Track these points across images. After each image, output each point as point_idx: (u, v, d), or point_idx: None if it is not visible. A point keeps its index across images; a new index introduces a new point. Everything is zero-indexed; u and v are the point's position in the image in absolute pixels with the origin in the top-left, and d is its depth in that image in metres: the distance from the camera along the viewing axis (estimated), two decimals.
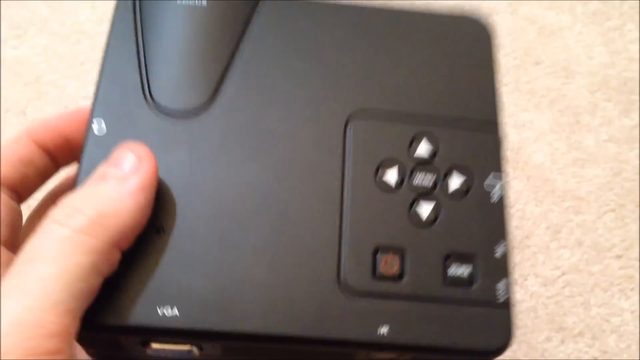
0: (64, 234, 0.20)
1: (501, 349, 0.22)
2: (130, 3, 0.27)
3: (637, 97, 0.59)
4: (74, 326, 0.20)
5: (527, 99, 0.58)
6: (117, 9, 0.27)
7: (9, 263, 0.22)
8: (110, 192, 0.21)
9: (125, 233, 0.21)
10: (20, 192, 0.26)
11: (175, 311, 0.21)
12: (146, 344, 0.23)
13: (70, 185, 0.25)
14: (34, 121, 0.27)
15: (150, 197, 0.22)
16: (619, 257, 0.49)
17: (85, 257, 0.20)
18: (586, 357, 0.44)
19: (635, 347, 0.45)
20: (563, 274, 0.48)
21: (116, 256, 0.21)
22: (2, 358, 0.18)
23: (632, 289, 0.48)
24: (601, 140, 0.56)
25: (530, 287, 0.47)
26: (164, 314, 0.21)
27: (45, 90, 0.51)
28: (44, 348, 0.18)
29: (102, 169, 0.22)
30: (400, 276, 0.23)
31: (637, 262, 0.49)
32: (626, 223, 0.51)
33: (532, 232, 0.50)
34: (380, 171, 0.24)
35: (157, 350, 0.23)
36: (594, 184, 0.53)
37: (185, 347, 0.23)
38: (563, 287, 0.48)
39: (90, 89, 0.53)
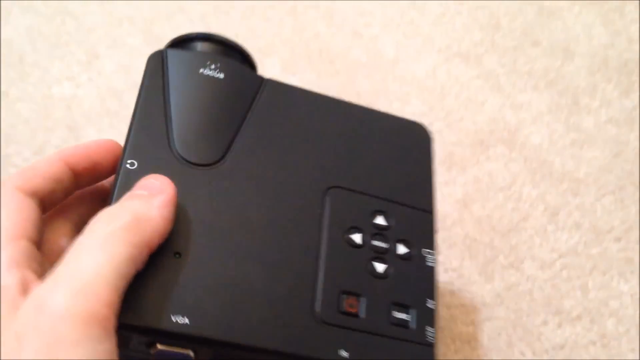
0: (109, 230, 0.25)
1: None
2: (160, 64, 0.33)
3: (638, 78, 0.58)
4: (119, 301, 0.24)
5: (524, 80, 0.56)
6: (148, 66, 0.33)
7: (40, 261, 0.27)
8: (141, 205, 0.27)
9: (154, 237, 0.27)
10: (46, 206, 0.29)
11: (186, 320, 0.26)
12: (152, 345, 0.27)
13: (71, 201, 0.32)
14: (68, 146, 0.31)
15: (173, 212, 0.28)
16: (618, 239, 0.48)
17: (127, 248, 0.25)
18: (584, 341, 0.43)
19: (634, 331, 0.44)
20: (560, 256, 0.47)
21: (146, 254, 0.26)
22: (72, 318, 0.22)
23: (631, 272, 0.46)
24: (601, 122, 0.55)
25: (527, 270, 0.46)
26: (176, 321, 0.26)
27: (29, 72, 0.50)
28: (101, 314, 0.23)
29: (131, 192, 0.28)
30: (358, 314, 0.30)
31: (637, 245, 0.48)
32: (626, 205, 0.50)
33: (529, 214, 0.49)
34: (348, 232, 0.32)
35: (160, 351, 0.27)
36: (593, 166, 0.52)
37: (186, 351, 0.27)
38: (560, 270, 0.46)
39: (75, 70, 0.52)
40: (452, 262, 0.46)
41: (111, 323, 0.23)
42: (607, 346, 0.43)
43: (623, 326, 0.44)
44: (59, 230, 0.30)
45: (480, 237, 0.47)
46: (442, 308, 0.44)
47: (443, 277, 0.45)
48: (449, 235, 0.47)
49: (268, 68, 0.53)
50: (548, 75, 0.57)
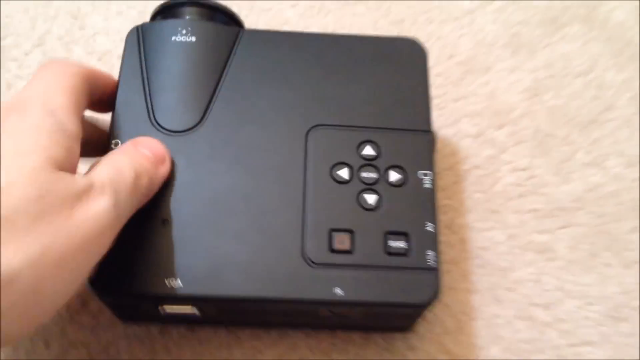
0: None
1: (429, 303, 0.29)
2: (136, 39, 0.33)
3: None
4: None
5: None
6: (126, 44, 0.33)
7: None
8: (147, 166, 0.28)
9: (147, 199, 0.29)
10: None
11: (179, 282, 0.28)
12: (158, 307, 0.30)
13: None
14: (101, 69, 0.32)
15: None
16: None
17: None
18: None
19: None
20: None
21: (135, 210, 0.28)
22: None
23: None
24: None
25: (612, 169, 0.39)
26: (170, 284, 0.28)
27: None
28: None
29: (137, 147, 0.29)
30: (350, 250, 0.30)
31: None
32: None
33: (612, 103, 0.41)
34: (335, 168, 0.31)
35: (168, 312, 0.30)
36: None
37: (188, 310, 0.30)
38: None
39: None
40: (520, 160, 0.39)
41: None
42: None
43: None
44: None
45: (554, 131, 0.40)
46: (509, 214, 0.38)
47: (509, 178, 0.39)
48: (515, 129, 0.40)
49: None
50: None
